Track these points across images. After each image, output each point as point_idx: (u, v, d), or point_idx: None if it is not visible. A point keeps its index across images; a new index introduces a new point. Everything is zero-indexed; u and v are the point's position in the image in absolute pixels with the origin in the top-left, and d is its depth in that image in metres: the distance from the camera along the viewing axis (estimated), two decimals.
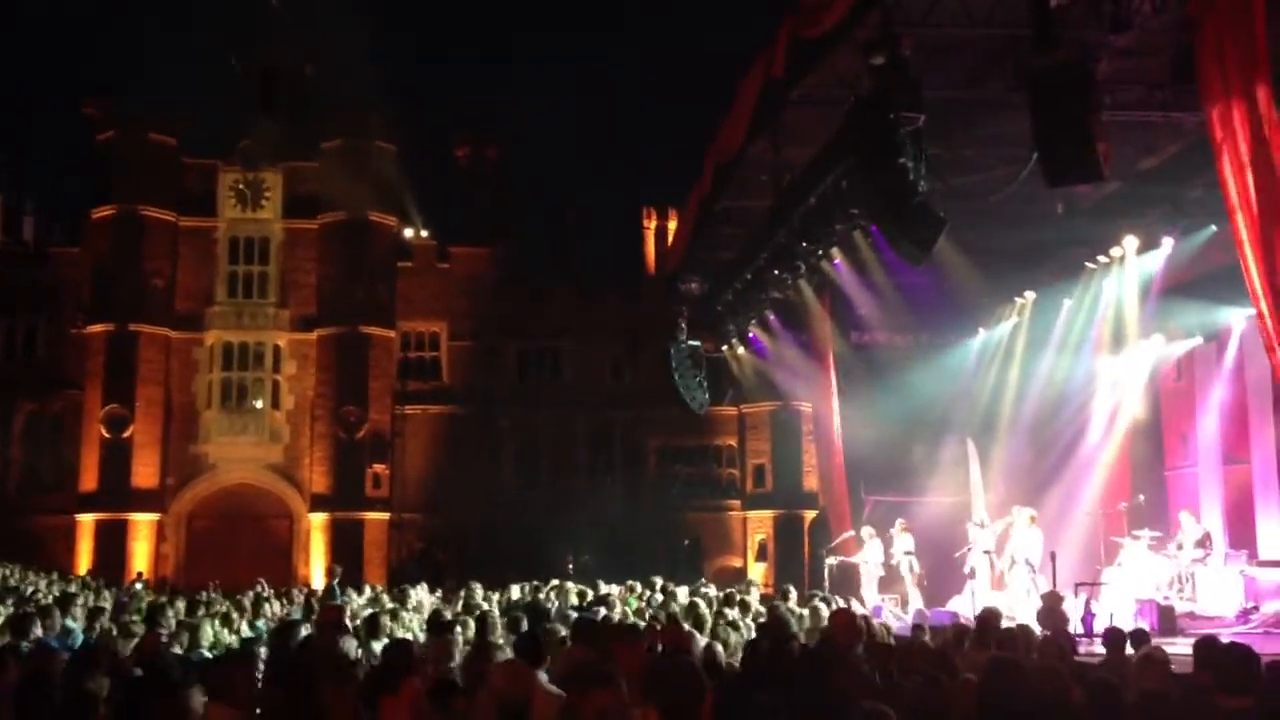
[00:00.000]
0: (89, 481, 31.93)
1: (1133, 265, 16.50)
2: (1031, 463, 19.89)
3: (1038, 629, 10.47)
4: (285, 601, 16.35)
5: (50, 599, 14.34)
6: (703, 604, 12.38)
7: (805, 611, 11.98)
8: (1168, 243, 15.48)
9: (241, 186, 34.31)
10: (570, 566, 25.98)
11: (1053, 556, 15.94)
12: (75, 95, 35.32)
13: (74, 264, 33.59)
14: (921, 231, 11.85)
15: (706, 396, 23.30)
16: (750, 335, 21.49)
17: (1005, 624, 9.83)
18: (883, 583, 19.43)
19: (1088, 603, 14.42)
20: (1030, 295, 19.24)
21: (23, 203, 37.88)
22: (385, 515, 33.10)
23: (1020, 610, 15.19)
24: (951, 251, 15.15)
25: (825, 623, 10.22)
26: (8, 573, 22.08)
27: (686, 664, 4.77)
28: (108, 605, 15.57)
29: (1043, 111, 10.54)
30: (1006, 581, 17.17)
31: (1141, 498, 17.74)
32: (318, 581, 26.95)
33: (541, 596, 16.11)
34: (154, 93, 33.65)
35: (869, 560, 19.56)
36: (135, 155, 32.72)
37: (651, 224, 37.68)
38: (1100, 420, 19.39)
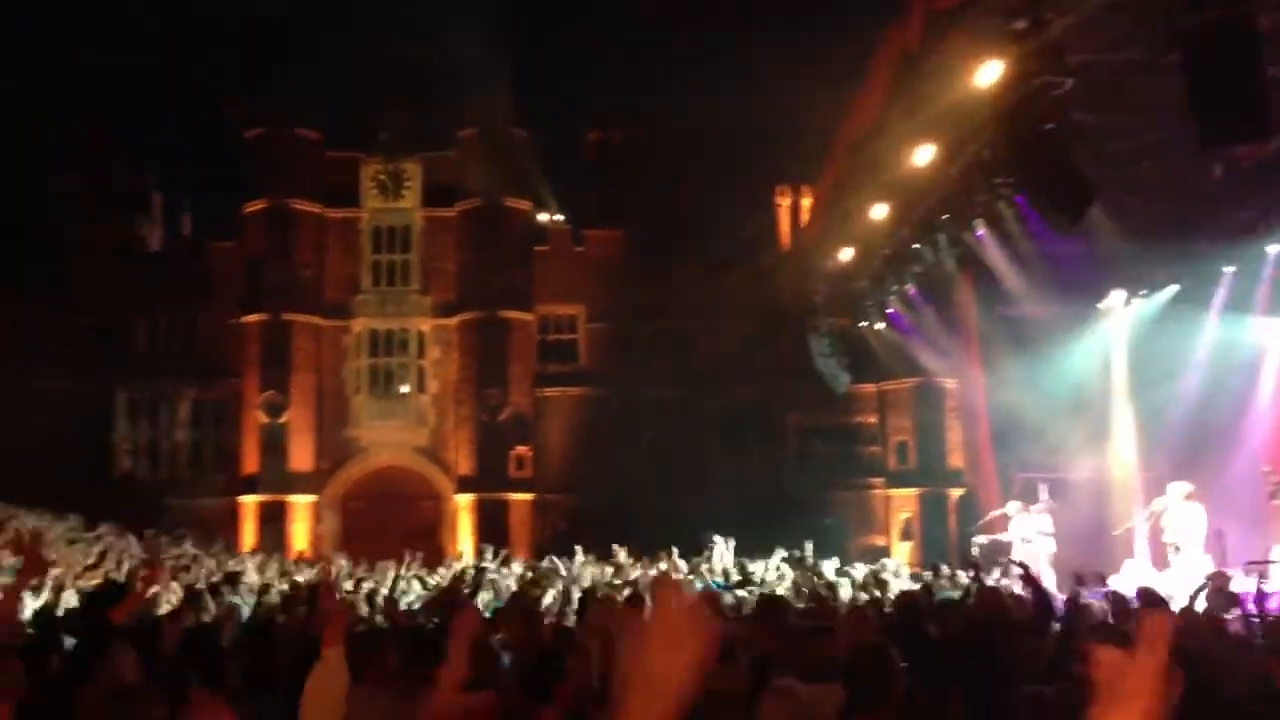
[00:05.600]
0: (250, 465, 33.44)
1: None
2: (1193, 435, 19.05)
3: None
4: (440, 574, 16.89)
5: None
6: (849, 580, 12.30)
7: (954, 592, 11.79)
8: None
9: (382, 177, 35.28)
10: (712, 546, 25.99)
11: (1219, 534, 15.26)
12: (216, 95, 36.82)
13: (230, 257, 35.01)
14: (1071, 200, 11.44)
15: (847, 375, 23.00)
16: (890, 310, 21.11)
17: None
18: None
19: (1259, 582, 13.78)
20: (1188, 261, 18.40)
21: (180, 201, 39.85)
22: (529, 496, 33.74)
23: (1182, 591, 14.61)
24: (1102, 219, 14.58)
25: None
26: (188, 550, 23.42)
27: (882, 647, 4.80)
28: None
29: (1197, 72, 10.02)
30: (1170, 561, 16.52)
31: None
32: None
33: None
34: (292, 89, 34.78)
35: (1018, 538, 19.15)
36: (281, 151, 33.96)
37: (785, 201, 37.25)
38: (1267, 388, 18.48)
